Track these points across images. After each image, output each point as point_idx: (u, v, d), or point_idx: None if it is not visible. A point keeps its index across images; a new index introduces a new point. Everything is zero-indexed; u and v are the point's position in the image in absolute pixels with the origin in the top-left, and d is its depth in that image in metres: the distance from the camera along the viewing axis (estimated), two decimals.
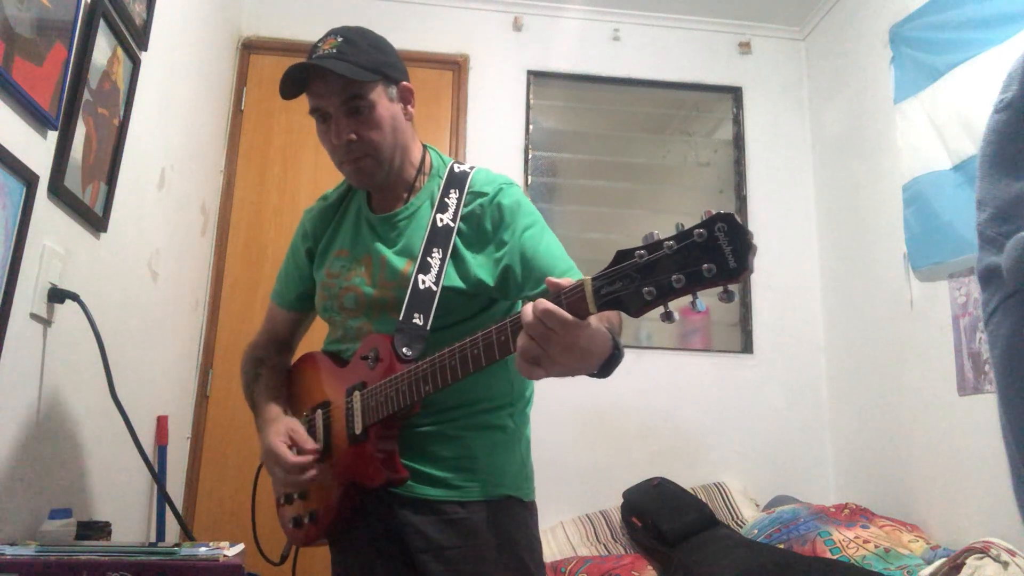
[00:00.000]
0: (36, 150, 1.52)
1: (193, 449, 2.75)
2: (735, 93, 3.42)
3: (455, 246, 1.33)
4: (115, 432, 1.76)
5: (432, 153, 1.47)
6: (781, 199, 3.32)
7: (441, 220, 1.34)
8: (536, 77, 3.31)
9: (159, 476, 2.22)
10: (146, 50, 2.05)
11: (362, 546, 1.35)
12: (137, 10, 1.97)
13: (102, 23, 1.74)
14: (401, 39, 3.33)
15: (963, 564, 1.78)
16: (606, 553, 2.54)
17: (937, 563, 1.89)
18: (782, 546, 2.28)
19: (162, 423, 2.33)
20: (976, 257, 1.00)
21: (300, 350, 1.59)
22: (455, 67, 3.22)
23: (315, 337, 1.59)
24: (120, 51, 1.87)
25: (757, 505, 2.80)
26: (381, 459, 1.26)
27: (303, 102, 1.41)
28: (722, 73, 3.42)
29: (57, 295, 1.59)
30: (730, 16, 3.42)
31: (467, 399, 1.32)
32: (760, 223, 3.27)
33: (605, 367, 1.04)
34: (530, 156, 3.22)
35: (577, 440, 2.86)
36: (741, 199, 3.31)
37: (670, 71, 3.39)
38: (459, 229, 1.34)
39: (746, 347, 3.12)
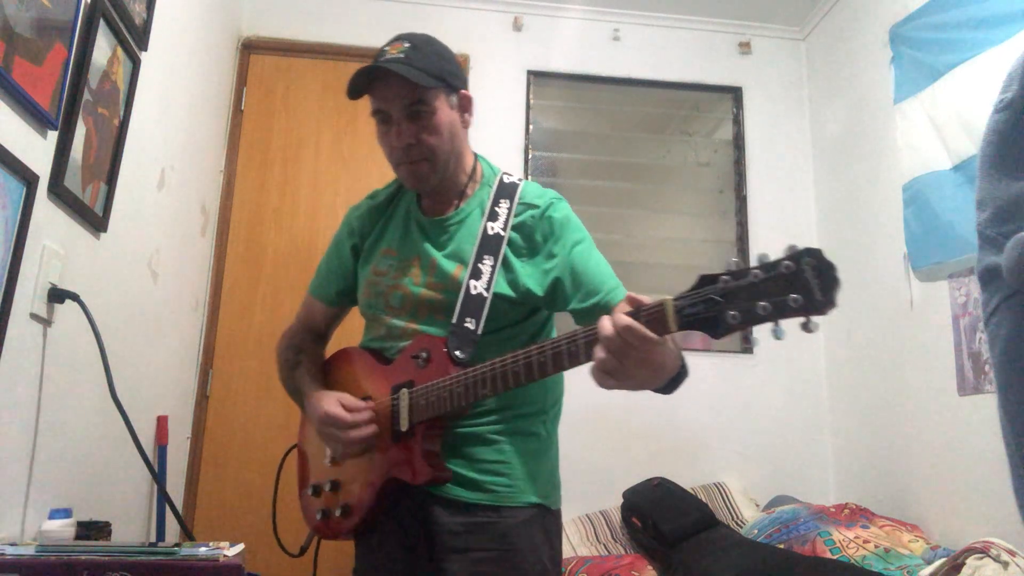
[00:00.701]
0: (36, 150, 1.52)
1: (193, 449, 2.75)
2: (735, 93, 3.42)
3: (505, 255, 1.36)
4: (115, 432, 1.76)
5: (483, 162, 1.51)
6: (781, 199, 3.32)
7: (492, 228, 1.38)
8: (536, 77, 3.31)
9: (159, 476, 2.22)
10: (146, 50, 2.05)
11: (389, 542, 1.37)
12: (137, 10, 1.97)
13: (102, 23, 1.74)
14: None
15: (963, 564, 1.78)
16: (606, 553, 2.54)
17: (937, 563, 1.89)
18: (782, 546, 2.28)
19: (162, 423, 2.33)
20: (976, 257, 1.00)
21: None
22: None
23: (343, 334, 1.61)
24: (120, 51, 1.87)
25: (757, 505, 2.80)
26: (426, 457, 1.28)
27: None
28: (722, 73, 3.42)
29: (57, 295, 1.59)
30: (730, 16, 3.42)
31: (505, 403, 1.35)
32: (760, 223, 3.27)
33: (672, 383, 1.12)
34: (530, 156, 3.22)
35: (577, 440, 2.84)
36: (741, 199, 3.31)
37: (670, 71, 3.39)
38: (509, 238, 1.38)
39: (746, 347, 3.12)
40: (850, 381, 2.97)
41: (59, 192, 1.60)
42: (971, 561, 1.77)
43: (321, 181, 3.05)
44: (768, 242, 3.23)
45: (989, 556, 1.76)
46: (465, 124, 1.44)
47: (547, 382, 1.39)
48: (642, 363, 0.99)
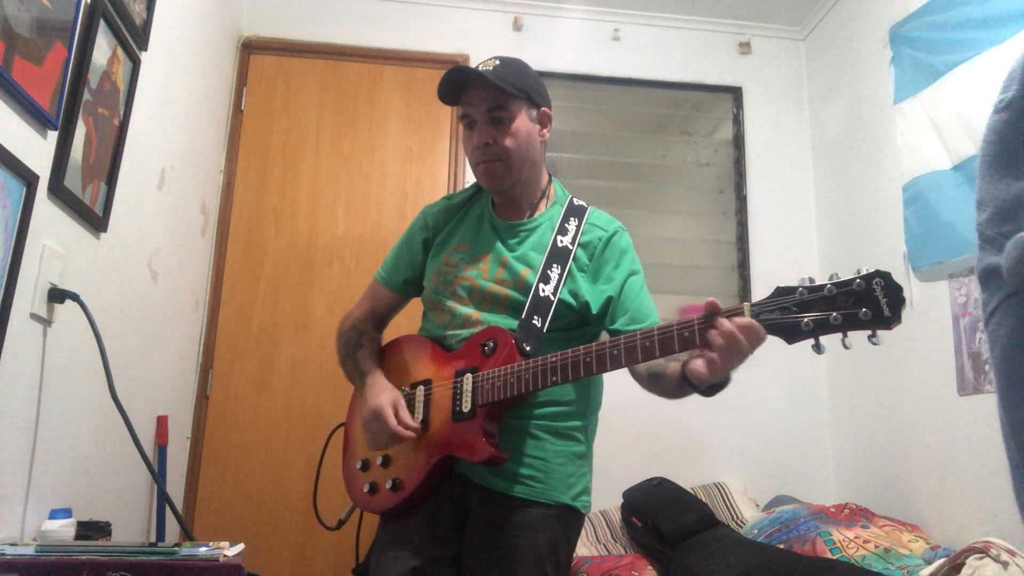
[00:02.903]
0: (36, 150, 1.52)
1: (193, 449, 2.75)
2: (735, 93, 3.42)
3: (570, 267, 1.49)
4: (115, 432, 1.76)
5: (556, 184, 1.65)
6: (781, 199, 3.31)
7: (561, 241, 1.51)
8: None
9: (159, 476, 2.22)
10: (146, 50, 2.05)
11: (419, 522, 1.45)
12: (137, 10, 1.97)
13: (102, 23, 1.74)
14: (401, 39, 3.35)
15: (963, 564, 1.78)
16: (606, 553, 2.54)
17: (937, 563, 1.89)
18: (782, 546, 2.28)
19: (162, 423, 2.33)
20: (976, 257, 1.00)
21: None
22: None
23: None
24: (120, 51, 1.87)
25: (757, 505, 2.80)
26: (486, 438, 1.36)
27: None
28: (722, 73, 3.42)
29: (57, 295, 1.59)
30: (730, 16, 3.42)
31: (551, 403, 1.44)
32: (760, 223, 3.27)
33: (715, 387, 1.22)
34: None
35: None
36: (741, 199, 3.31)
37: (670, 71, 3.39)
38: (575, 254, 1.51)
39: None
40: (850, 381, 2.97)
41: (59, 192, 1.60)
42: (971, 561, 1.77)
43: (321, 181, 3.05)
44: (768, 242, 3.23)
45: (989, 556, 1.76)
46: (543, 139, 1.57)
47: (591, 388, 1.52)
48: (734, 356, 1.12)
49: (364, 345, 1.61)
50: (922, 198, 2.47)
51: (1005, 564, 1.72)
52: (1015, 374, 0.92)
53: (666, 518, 2.43)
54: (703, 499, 2.67)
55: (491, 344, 1.41)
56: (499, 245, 1.54)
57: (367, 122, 3.13)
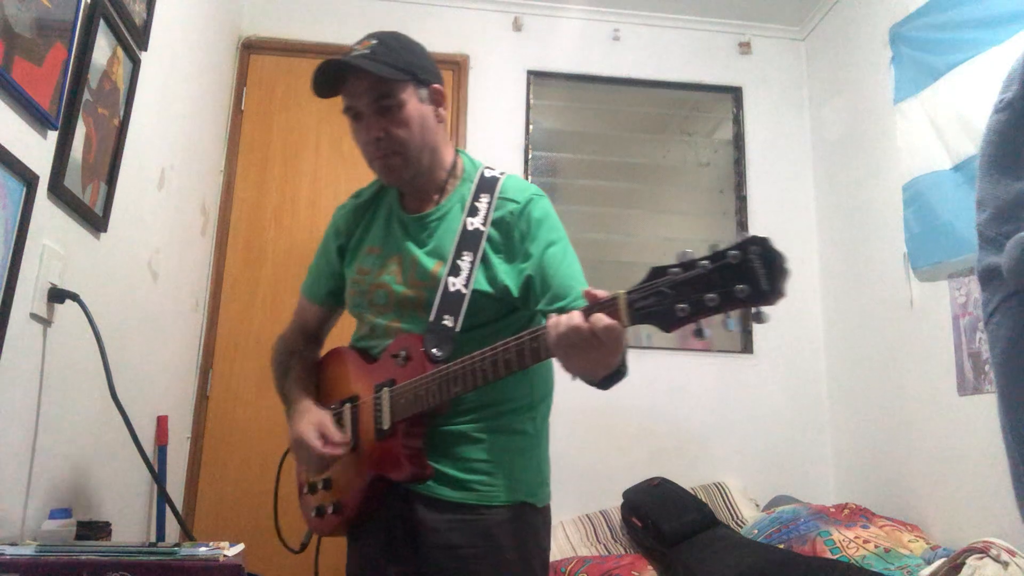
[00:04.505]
0: (36, 150, 1.51)
1: (193, 449, 2.75)
2: (735, 93, 3.42)
3: (484, 251, 1.35)
4: (115, 432, 1.76)
5: (464, 157, 1.49)
6: (781, 199, 3.31)
7: (471, 224, 1.37)
8: (536, 77, 3.31)
9: (159, 476, 2.22)
10: (146, 50, 2.05)
11: (377, 541, 1.38)
12: (137, 10, 1.97)
13: (102, 23, 1.74)
14: None
15: (963, 564, 1.78)
16: (606, 553, 2.54)
17: (937, 563, 1.89)
18: (782, 546, 2.28)
19: (162, 423, 2.33)
20: (976, 257, 1.00)
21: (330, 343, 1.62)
22: (455, 67, 3.22)
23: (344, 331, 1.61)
24: (120, 51, 1.87)
25: (757, 505, 2.80)
26: (408, 455, 1.29)
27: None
28: (722, 73, 3.42)
29: (57, 295, 1.59)
30: (730, 16, 3.42)
31: (490, 401, 1.34)
32: (760, 223, 3.27)
33: (608, 380, 1.14)
34: (530, 156, 3.22)
35: (577, 440, 2.85)
36: (741, 199, 3.31)
37: (670, 71, 3.39)
38: (489, 235, 1.37)
39: (746, 347, 3.12)
40: (850, 381, 2.97)
41: (59, 192, 1.60)
42: (971, 561, 1.77)
43: (321, 181, 3.05)
44: None
45: (989, 556, 1.76)
46: (439, 118, 1.43)
47: (534, 378, 1.39)
48: (587, 357, 1.04)
49: (293, 368, 1.52)
50: (922, 198, 2.47)
51: (1005, 564, 1.72)
52: (1015, 374, 0.93)
53: (666, 518, 2.43)
54: (703, 499, 2.67)
55: (403, 354, 1.31)
56: (408, 244, 1.41)
57: None
